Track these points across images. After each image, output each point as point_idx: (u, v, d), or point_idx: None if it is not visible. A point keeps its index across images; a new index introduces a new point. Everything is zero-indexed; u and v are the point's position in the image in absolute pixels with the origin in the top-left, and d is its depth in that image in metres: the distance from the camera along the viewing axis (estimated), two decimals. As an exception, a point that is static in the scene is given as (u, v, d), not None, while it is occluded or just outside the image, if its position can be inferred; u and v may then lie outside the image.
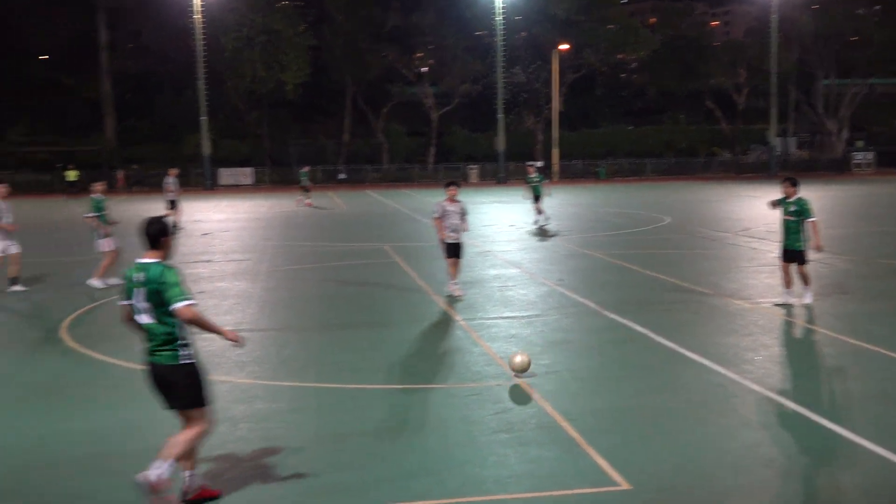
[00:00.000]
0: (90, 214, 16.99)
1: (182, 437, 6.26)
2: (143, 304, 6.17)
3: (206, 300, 14.59)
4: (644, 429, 7.95)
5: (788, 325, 12.46)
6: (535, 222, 27.74)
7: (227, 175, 63.39)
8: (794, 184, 13.52)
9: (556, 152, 66.28)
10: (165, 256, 6.31)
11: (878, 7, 71.42)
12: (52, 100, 69.42)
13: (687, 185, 55.23)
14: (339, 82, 69.29)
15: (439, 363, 10.62)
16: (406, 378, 9.93)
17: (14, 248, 16.28)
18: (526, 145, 70.52)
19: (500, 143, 63.69)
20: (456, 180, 15.33)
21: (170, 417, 8.08)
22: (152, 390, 6.40)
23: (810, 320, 12.62)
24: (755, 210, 32.32)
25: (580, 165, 68.89)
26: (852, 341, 11.19)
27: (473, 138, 73.88)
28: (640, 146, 75.15)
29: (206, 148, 59.69)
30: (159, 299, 6.09)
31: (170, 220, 6.60)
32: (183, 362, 6.19)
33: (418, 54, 71.80)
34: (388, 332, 12.39)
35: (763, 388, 9.08)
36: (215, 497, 6.49)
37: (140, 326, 6.28)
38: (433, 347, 11.55)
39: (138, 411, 8.61)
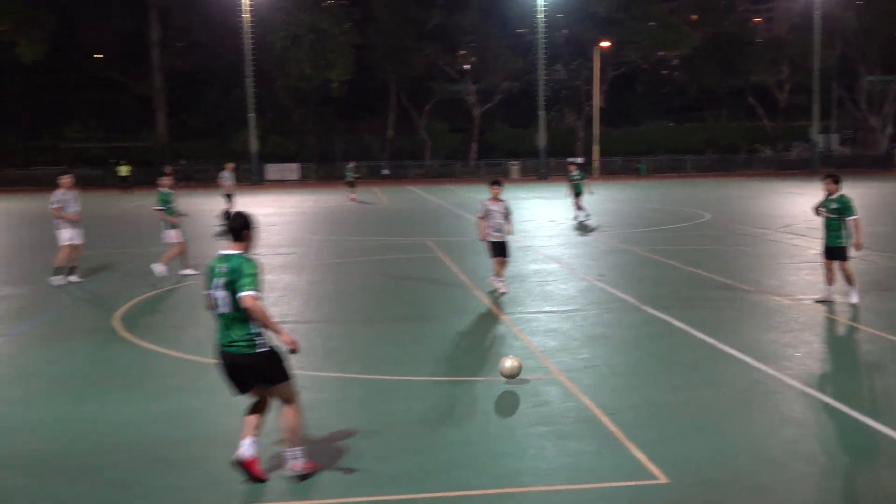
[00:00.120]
0: (157, 207, 17.45)
1: (289, 425, 6.65)
2: (221, 294, 6.45)
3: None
4: (682, 424, 7.98)
5: (829, 322, 12.40)
6: (576, 218, 27.87)
7: (273, 170, 64.49)
8: (837, 181, 13.38)
9: (596, 149, 66.03)
10: (247, 249, 6.60)
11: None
12: (106, 97, 70.97)
13: (727, 182, 54.67)
14: (383, 80, 69.82)
15: (480, 356, 10.75)
16: (447, 371, 10.04)
17: (78, 239, 16.84)
18: (566, 142, 70.40)
19: (541, 139, 63.72)
20: (500, 179, 15.18)
21: (210, 408, 8.37)
22: (226, 377, 6.68)
23: (851, 317, 12.54)
24: (796, 206, 32.02)
25: (620, 162, 68.64)
26: (893, 338, 11.14)
27: (515, 135, 73.78)
28: (680, 143, 74.54)
29: (254, 144, 60.71)
30: (236, 290, 6.37)
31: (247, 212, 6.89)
32: (260, 351, 6.48)
33: (461, 52, 72.13)
34: (431, 325, 12.55)
35: (803, 385, 9.07)
36: (314, 472, 6.82)
37: (217, 316, 6.57)
38: (474, 341, 11.68)
39: (184, 400, 8.93)
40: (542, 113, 63.59)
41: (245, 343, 6.44)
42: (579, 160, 49.71)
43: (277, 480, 6.78)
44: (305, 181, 64.35)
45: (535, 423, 8.01)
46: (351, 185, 42.86)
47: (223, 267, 6.47)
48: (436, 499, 6.48)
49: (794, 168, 68.65)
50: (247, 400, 6.90)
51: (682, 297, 14.29)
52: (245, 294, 6.30)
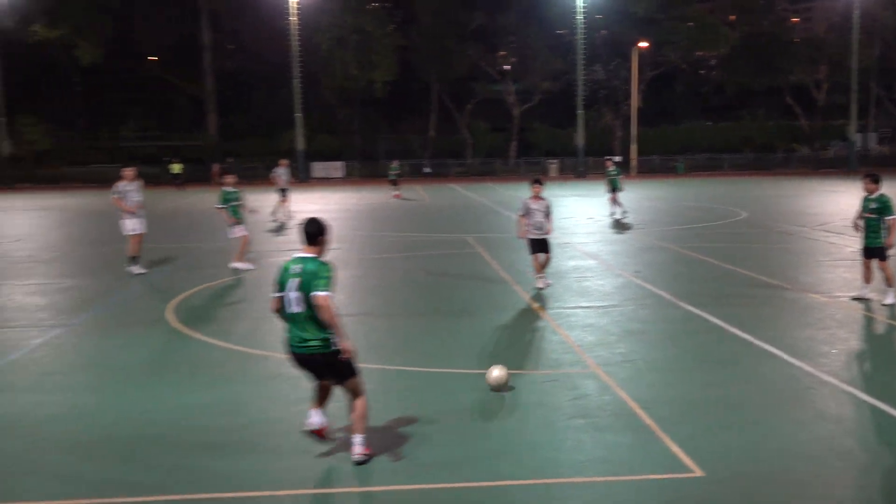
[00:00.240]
0: (219, 206, 17.86)
1: (357, 414, 7.06)
2: (295, 294, 6.84)
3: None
4: (718, 418, 8.06)
5: (865, 320, 12.39)
6: (612, 214, 28.00)
7: (319, 168, 65.86)
8: (876, 180, 13.34)
9: (634, 148, 65.83)
10: (321, 253, 7.02)
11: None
12: (159, 98, 73.20)
13: (764, 181, 54.19)
14: (426, 81, 70.89)
15: (519, 350, 10.92)
16: (487, 364, 10.09)
17: (140, 229, 17.44)
18: (604, 141, 70.44)
19: (580, 138, 63.82)
20: (540, 178, 15.32)
21: (257, 398, 8.75)
22: (301, 369, 7.14)
23: (889, 315, 12.53)
24: (834, 205, 31.79)
25: (657, 161, 68.39)
26: (932, 338, 11.16)
27: (554, 134, 73.92)
28: (717, 142, 74.08)
29: (300, 143, 61.90)
30: (310, 290, 6.75)
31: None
32: (334, 349, 6.87)
33: (501, 53, 72.48)
34: (471, 320, 12.73)
35: (839, 381, 9.10)
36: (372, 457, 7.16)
37: (288, 317, 6.94)
38: (513, 335, 11.86)
39: (234, 390, 9.23)
40: (580, 112, 63.76)
41: (318, 343, 6.84)
42: (617, 158, 49.66)
43: (317, 464, 7.07)
44: (349, 179, 65.39)
45: (573, 416, 8.15)
46: (394, 182, 43.40)
47: (297, 268, 6.87)
48: (476, 488, 6.64)
49: (832, 167, 67.95)
50: (309, 383, 7.27)
51: (718, 293, 14.36)
52: (319, 293, 6.69)
